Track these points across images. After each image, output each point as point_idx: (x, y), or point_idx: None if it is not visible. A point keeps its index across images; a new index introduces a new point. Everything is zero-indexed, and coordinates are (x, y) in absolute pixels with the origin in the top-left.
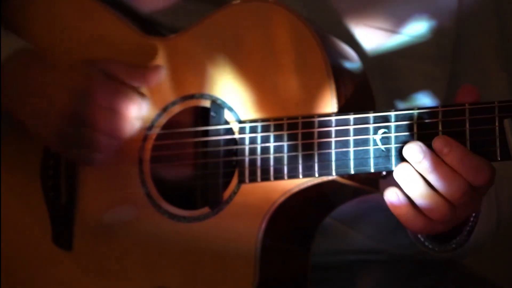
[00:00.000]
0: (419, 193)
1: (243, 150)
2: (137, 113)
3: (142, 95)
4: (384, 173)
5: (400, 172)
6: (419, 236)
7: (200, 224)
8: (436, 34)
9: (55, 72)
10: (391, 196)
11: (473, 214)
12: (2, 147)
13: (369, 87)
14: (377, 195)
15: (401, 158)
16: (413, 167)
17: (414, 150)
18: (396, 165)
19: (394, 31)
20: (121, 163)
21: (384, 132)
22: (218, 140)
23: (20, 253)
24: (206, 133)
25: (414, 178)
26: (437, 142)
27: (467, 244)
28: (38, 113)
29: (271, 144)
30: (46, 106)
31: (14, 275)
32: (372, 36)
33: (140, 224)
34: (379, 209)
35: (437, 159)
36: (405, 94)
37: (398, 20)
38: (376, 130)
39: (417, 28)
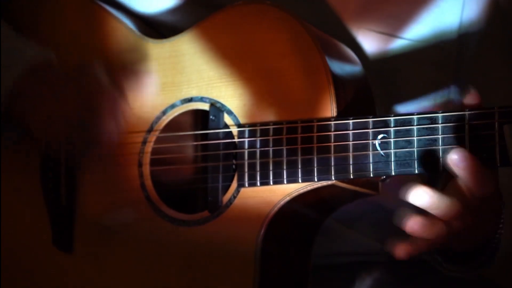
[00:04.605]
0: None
1: (242, 154)
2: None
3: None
4: (383, 176)
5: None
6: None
7: (199, 227)
8: (439, 39)
9: (62, 80)
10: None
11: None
12: (2, 150)
13: (370, 91)
14: (377, 196)
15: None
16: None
17: (422, 196)
18: (395, 170)
19: (396, 35)
20: (120, 166)
21: (384, 137)
22: (218, 144)
23: (20, 255)
24: (205, 136)
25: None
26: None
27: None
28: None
29: (270, 148)
30: (53, 110)
31: (15, 277)
32: (374, 40)
33: (140, 227)
34: (379, 209)
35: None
36: (407, 99)
37: (400, 25)
38: (375, 135)
39: (420, 33)
